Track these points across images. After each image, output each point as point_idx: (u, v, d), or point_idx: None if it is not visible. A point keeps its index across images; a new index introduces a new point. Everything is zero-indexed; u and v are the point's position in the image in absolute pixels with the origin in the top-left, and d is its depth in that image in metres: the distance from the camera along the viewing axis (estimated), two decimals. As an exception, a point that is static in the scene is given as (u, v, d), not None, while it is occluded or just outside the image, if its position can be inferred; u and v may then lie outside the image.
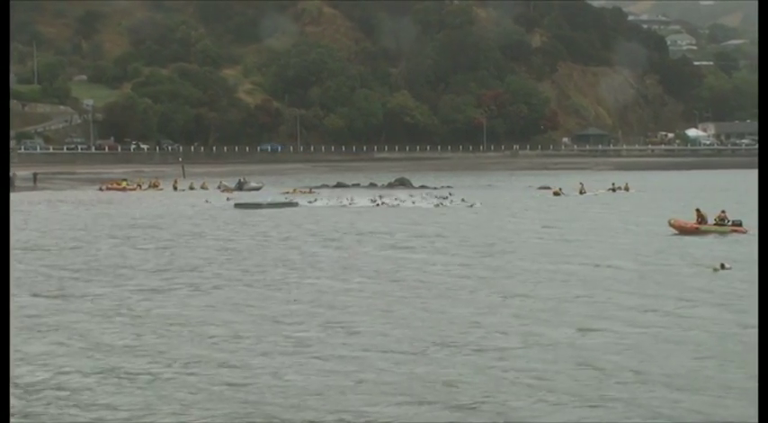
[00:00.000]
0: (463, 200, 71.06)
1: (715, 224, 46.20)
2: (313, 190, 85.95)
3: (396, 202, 69.94)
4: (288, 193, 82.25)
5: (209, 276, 32.22)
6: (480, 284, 30.19)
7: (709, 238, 44.04)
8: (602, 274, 32.86)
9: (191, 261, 36.42)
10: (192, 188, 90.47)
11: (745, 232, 44.92)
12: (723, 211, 47.27)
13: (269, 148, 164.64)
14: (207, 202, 71.13)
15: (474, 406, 16.98)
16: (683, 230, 45.86)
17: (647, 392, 17.75)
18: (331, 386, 18.04)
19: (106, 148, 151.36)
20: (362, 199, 72.34)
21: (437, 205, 68.14)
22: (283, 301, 27.21)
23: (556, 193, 79.78)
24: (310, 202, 71.18)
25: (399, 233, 47.47)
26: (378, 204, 68.63)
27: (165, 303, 26.88)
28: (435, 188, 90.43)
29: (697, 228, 45.97)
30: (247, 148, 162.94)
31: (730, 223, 46.28)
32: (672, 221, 47.11)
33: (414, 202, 70.23)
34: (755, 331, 19.46)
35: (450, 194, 76.00)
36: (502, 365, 19.62)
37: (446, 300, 27.29)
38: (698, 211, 47.56)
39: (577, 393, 17.63)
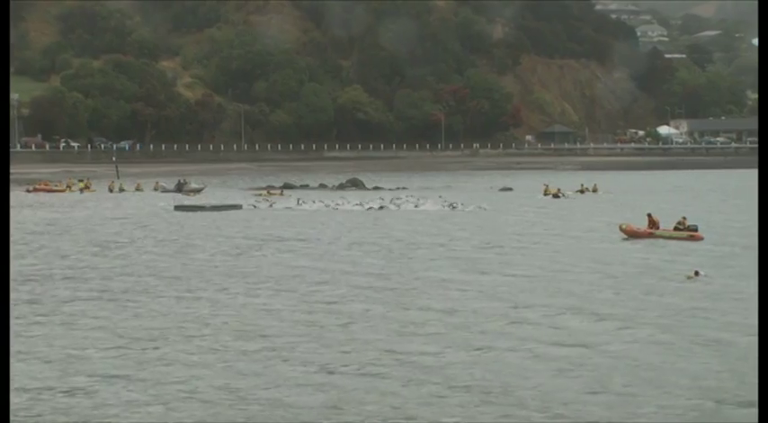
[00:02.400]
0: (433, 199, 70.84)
1: (674, 229, 46.25)
2: (284, 192, 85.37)
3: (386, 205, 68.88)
4: (260, 194, 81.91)
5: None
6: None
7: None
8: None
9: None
10: (122, 190, 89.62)
11: (701, 239, 45.09)
12: (684, 218, 47.34)
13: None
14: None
15: None
16: (636, 236, 45.93)
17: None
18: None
19: (33, 146, 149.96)
20: (350, 203, 70.85)
21: (416, 206, 67.58)
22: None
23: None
24: (299, 203, 70.37)
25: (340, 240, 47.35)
26: (371, 208, 67.46)
27: None
28: (390, 190, 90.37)
29: (651, 233, 46.05)
30: (187, 146, 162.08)
31: (685, 228, 46.27)
32: (623, 226, 47.13)
33: (417, 206, 68.74)
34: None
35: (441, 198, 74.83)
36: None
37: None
38: (649, 215, 47.71)
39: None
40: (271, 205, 70.65)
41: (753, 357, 18.54)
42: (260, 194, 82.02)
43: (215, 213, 63.68)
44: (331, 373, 20.45)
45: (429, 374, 20.19)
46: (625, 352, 22.16)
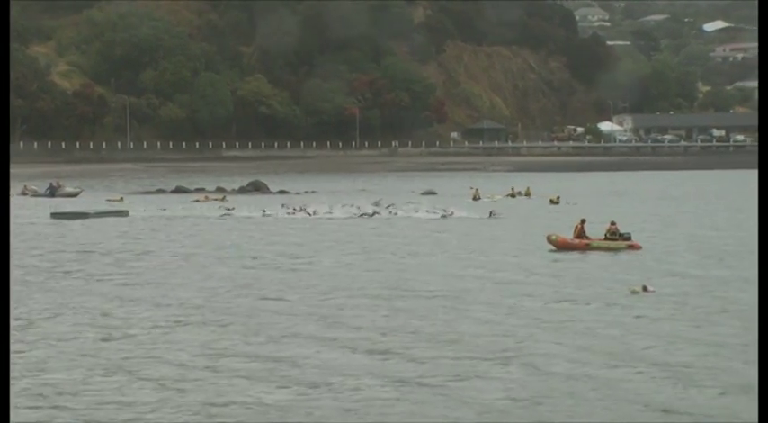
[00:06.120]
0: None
1: (606, 238, 46.30)
2: (226, 197, 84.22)
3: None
4: (197, 200, 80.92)
5: None
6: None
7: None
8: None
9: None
10: None
11: (639, 248, 45.44)
12: (613, 223, 47.15)
13: None
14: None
15: None
16: (567, 247, 45.71)
17: None
18: None
19: None
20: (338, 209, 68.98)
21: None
22: None
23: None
24: (287, 212, 68.27)
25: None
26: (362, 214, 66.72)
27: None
28: (297, 194, 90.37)
29: (587, 244, 45.97)
30: (63, 144, 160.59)
31: (619, 237, 46.36)
32: (552, 238, 46.66)
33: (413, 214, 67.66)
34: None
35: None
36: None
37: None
38: (583, 222, 47.35)
39: None
40: (229, 211, 68.31)
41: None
42: (197, 200, 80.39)
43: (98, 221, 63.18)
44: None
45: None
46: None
